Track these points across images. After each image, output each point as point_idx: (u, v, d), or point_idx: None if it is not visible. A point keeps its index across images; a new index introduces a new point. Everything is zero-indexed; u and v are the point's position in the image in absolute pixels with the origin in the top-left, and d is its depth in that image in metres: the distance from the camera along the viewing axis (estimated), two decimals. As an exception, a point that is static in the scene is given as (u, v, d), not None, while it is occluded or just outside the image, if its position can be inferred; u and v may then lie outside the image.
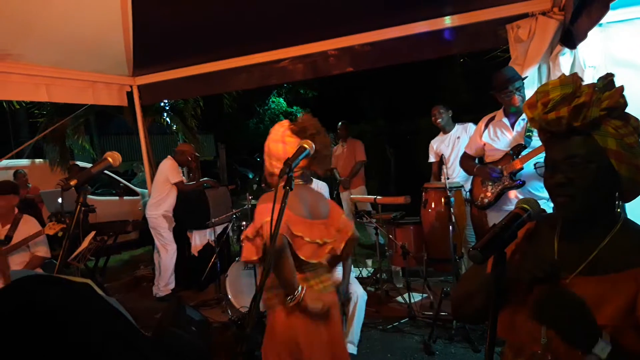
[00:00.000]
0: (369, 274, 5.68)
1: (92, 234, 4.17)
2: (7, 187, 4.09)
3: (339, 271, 3.90)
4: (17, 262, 3.90)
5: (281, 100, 22.17)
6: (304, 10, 4.29)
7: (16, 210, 4.14)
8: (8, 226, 4.03)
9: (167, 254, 5.63)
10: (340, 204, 6.93)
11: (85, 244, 4.10)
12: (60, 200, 5.73)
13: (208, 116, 12.42)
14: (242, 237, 2.19)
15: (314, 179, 5.15)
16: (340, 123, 7.17)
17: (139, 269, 7.05)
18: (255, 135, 22.03)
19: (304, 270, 2.10)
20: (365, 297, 3.80)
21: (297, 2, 4.18)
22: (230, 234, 6.03)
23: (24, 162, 8.67)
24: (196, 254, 5.89)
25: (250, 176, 17.86)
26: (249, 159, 19.71)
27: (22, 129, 14.49)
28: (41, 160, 9.57)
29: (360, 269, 5.86)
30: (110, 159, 1.81)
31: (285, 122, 2.20)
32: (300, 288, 2.01)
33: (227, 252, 6.06)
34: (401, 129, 13.60)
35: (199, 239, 5.92)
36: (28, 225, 4.06)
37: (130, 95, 5.94)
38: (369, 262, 6.24)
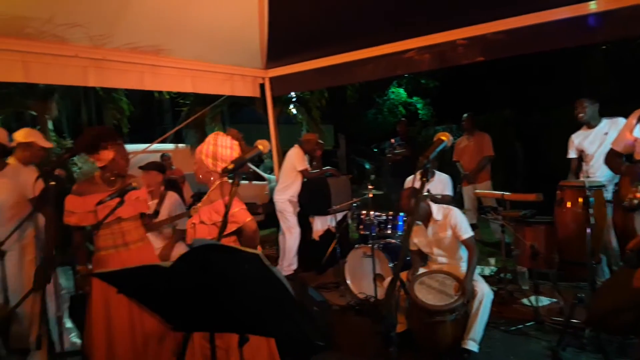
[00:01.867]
0: (492, 273, 5.46)
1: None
2: (152, 165, 4.63)
3: (462, 267, 3.83)
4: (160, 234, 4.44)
5: (401, 90, 21.90)
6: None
7: (162, 188, 4.68)
8: (156, 201, 4.57)
9: (291, 236, 5.95)
10: (461, 198, 6.74)
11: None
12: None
13: (330, 107, 12.75)
14: (191, 222, 2.54)
15: (435, 172, 5.08)
16: (465, 115, 6.92)
17: (264, 249, 7.53)
18: (373, 125, 22.09)
19: None
20: (492, 296, 3.67)
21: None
22: (350, 221, 6.18)
23: (169, 146, 9.67)
24: (317, 239, 6.14)
25: (367, 166, 17.95)
26: (366, 150, 19.81)
27: (166, 116, 16.10)
28: (183, 145, 10.60)
29: (483, 267, 5.65)
30: (260, 147, 1.98)
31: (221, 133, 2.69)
32: None
33: (346, 238, 6.22)
34: (531, 121, 12.69)
35: (320, 224, 6.15)
36: (170, 201, 4.56)
37: (262, 87, 6.34)
38: (492, 260, 5.99)
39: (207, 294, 1.14)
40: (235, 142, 2.63)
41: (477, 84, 17.11)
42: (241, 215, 2.47)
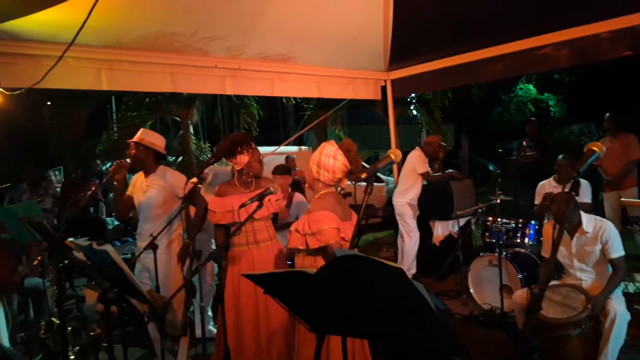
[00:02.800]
0: (637, 290, 4.90)
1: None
2: (284, 169, 4.87)
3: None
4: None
5: (530, 86, 20.44)
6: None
7: (289, 189, 4.91)
8: (284, 203, 4.81)
9: (410, 240, 5.89)
10: (602, 207, 6.11)
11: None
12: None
13: (451, 106, 12.34)
14: (291, 228, 2.56)
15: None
16: (607, 114, 6.27)
17: (381, 251, 7.54)
18: (498, 125, 20.91)
19: None
20: (628, 318, 3.30)
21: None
22: (473, 227, 5.94)
23: (292, 148, 10.12)
24: (437, 244, 5.99)
25: (491, 168, 17.03)
26: (490, 150, 18.79)
27: (289, 119, 16.84)
28: (305, 147, 11.02)
29: (626, 283, 5.08)
30: (392, 156, 2.01)
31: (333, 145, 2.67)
32: None
33: (469, 245, 5.99)
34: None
35: (441, 229, 6.00)
36: (297, 202, 4.77)
37: (383, 89, 6.35)
38: (638, 276, 5.36)
39: (347, 300, 1.20)
40: (340, 152, 2.58)
41: (620, 79, 15.35)
42: (325, 236, 2.40)
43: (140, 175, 3.56)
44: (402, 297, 1.09)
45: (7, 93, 3.49)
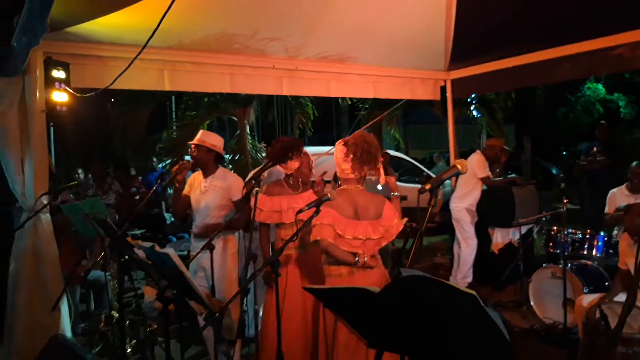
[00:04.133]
0: None
1: (405, 219, 4.54)
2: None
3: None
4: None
5: (599, 86, 19.28)
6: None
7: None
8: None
9: (467, 247, 5.68)
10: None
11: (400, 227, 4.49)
12: (379, 187, 6.42)
13: (514, 105, 11.85)
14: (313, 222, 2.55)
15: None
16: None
17: (436, 256, 7.34)
18: (563, 126, 19.90)
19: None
20: None
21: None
22: (535, 236, 5.66)
23: (346, 148, 10.02)
24: (496, 252, 5.74)
25: (554, 172, 16.22)
26: (554, 152, 17.90)
27: (343, 119, 16.79)
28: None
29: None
30: (459, 166, 1.92)
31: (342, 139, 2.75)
32: (355, 254, 2.57)
33: (531, 254, 5.71)
34: None
35: (500, 237, 5.75)
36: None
37: (443, 89, 6.17)
38: None
39: (411, 321, 1.13)
40: (340, 144, 2.67)
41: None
42: (316, 232, 2.54)
43: (198, 175, 3.62)
44: (474, 324, 1.01)
45: (78, 95, 3.65)
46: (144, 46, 3.21)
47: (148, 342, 3.20)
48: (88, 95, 3.68)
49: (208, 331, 3.35)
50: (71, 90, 3.54)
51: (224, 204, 3.46)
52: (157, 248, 2.01)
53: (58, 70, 3.55)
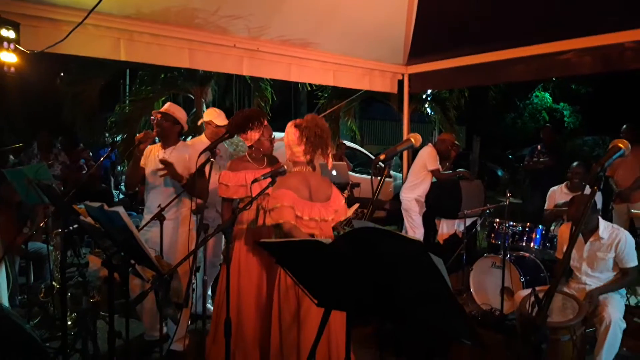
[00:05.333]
0: (639, 304, 4.86)
1: (356, 205, 4.64)
2: None
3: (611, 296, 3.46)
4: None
5: (547, 95, 20.26)
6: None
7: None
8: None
9: (414, 236, 5.86)
10: (609, 218, 6.05)
11: (350, 213, 4.58)
12: (334, 172, 6.48)
13: (466, 107, 12.25)
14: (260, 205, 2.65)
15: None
16: (625, 126, 6.20)
17: (384, 246, 7.51)
18: (511, 131, 20.76)
19: None
20: (623, 326, 3.32)
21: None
22: (479, 228, 5.91)
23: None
24: (441, 242, 5.97)
25: (500, 173, 16.91)
26: (501, 155, 18.67)
27: (302, 107, 16.79)
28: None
29: (629, 295, 5.04)
30: (412, 140, 1.99)
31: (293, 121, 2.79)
32: (313, 235, 2.57)
33: (473, 245, 5.97)
34: None
35: (446, 228, 5.97)
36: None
37: (400, 83, 6.30)
38: (640, 290, 5.32)
39: (360, 274, 1.19)
40: (291, 127, 2.73)
41: (638, 92, 15.20)
42: (278, 214, 2.53)
43: (155, 148, 3.56)
44: (419, 273, 1.08)
45: (28, 52, 3.49)
46: (93, 8, 3.12)
47: (90, 313, 3.12)
48: (38, 52, 3.52)
49: (145, 304, 3.31)
50: (21, 48, 3.38)
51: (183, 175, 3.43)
52: (106, 207, 1.98)
53: (7, 29, 3.37)
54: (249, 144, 3.22)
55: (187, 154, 3.49)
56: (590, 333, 3.41)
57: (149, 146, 3.55)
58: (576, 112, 19.91)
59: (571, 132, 18.82)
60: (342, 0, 4.52)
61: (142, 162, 3.55)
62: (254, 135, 3.14)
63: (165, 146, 3.53)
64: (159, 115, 3.47)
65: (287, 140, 2.71)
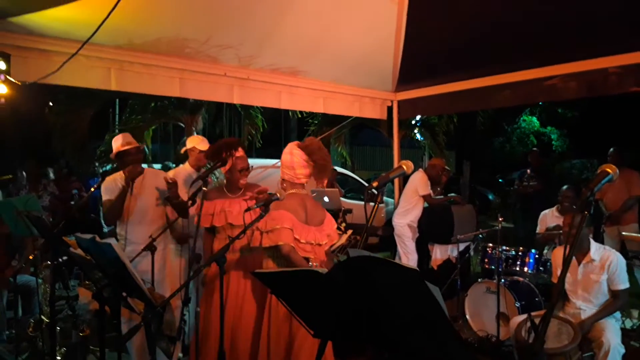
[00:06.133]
0: (634, 327, 4.84)
1: (350, 232, 4.62)
2: None
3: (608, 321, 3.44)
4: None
5: (534, 119, 20.57)
6: (579, 24, 3.96)
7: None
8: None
9: (408, 262, 5.83)
10: (601, 241, 6.08)
11: (343, 240, 4.55)
12: (326, 199, 6.46)
13: (455, 132, 12.40)
14: (253, 226, 2.51)
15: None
16: (611, 149, 6.29)
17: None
18: (499, 155, 20.98)
19: None
20: (622, 351, 3.29)
21: (571, 16, 3.88)
22: (472, 253, 5.90)
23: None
24: (435, 268, 5.94)
25: (491, 197, 16.99)
26: (490, 179, 18.82)
27: (292, 134, 16.89)
28: (306, 163, 10.97)
29: (624, 318, 5.02)
30: (404, 167, 2.00)
31: (294, 142, 2.80)
32: (308, 259, 2.57)
33: (467, 270, 5.94)
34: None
35: (439, 253, 5.96)
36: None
37: (390, 109, 6.37)
38: (635, 312, 5.30)
39: (356, 303, 1.17)
40: (296, 148, 2.70)
41: (624, 116, 15.49)
42: (278, 236, 2.50)
43: (120, 180, 3.49)
44: (416, 302, 1.06)
45: (19, 83, 3.49)
46: (87, 40, 3.15)
47: (80, 348, 3.04)
48: (29, 84, 3.52)
49: (135, 339, 3.23)
50: (12, 79, 3.38)
51: (160, 205, 3.40)
52: (97, 239, 1.95)
53: (-2, 60, 3.40)
54: (224, 172, 3.14)
55: (160, 181, 3.46)
56: (587, 358, 3.38)
57: (108, 179, 3.50)
58: (563, 136, 20.20)
59: (559, 156, 19.04)
60: (331, 29, 4.59)
61: (110, 197, 3.47)
62: (227, 164, 3.04)
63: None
64: (133, 150, 3.46)
65: (289, 162, 2.66)
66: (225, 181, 3.22)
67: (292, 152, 2.68)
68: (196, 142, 4.28)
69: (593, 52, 4.37)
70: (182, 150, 4.45)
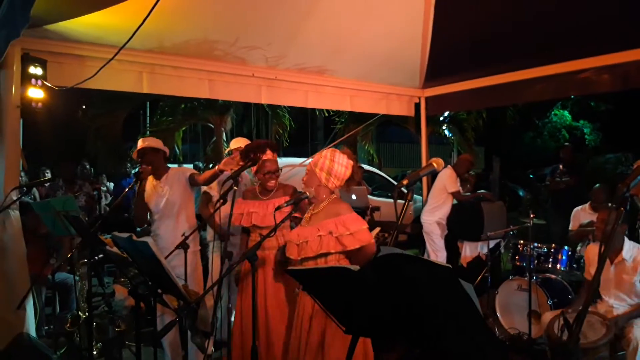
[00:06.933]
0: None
1: (378, 229, 4.61)
2: None
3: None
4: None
5: (566, 113, 20.07)
6: (612, 15, 3.85)
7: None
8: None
9: (436, 259, 5.79)
10: (636, 238, 5.89)
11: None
12: (354, 197, 6.47)
13: (484, 127, 12.22)
14: (317, 233, 2.50)
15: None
16: (648, 142, 6.10)
17: (406, 270, 7.41)
18: (530, 150, 20.55)
19: None
20: None
21: (604, 7, 3.78)
22: (502, 250, 5.81)
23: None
24: (464, 265, 5.88)
25: (521, 193, 16.64)
26: (521, 175, 18.43)
27: (319, 133, 16.94)
28: (333, 160, 10.99)
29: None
30: (435, 164, 2.00)
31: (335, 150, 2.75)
32: None
33: (498, 268, 5.86)
34: None
35: (469, 251, 5.89)
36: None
37: (417, 106, 6.33)
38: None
39: (388, 300, 1.18)
40: (351, 162, 2.68)
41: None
42: (365, 235, 2.48)
43: (150, 181, 3.61)
44: (449, 299, 1.07)
45: (56, 88, 3.62)
46: (123, 46, 3.23)
47: (116, 343, 3.14)
48: (66, 88, 3.65)
49: (169, 334, 3.32)
50: (49, 84, 3.51)
51: (185, 201, 3.52)
52: (134, 237, 2.01)
53: (35, 66, 3.52)
54: (254, 174, 3.24)
55: (183, 176, 3.57)
56: (620, 357, 3.30)
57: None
58: (596, 130, 19.65)
59: (592, 150, 18.54)
60: (356, 27, 4.60)
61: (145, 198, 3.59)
62: (255, 166, 3.13)
63: (158, 177, 3.60)
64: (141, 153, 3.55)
65: (335, 170, 2.61)
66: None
67: (348, 167, 2.68)
68: (241, 143, 4.37)
69: (626, 44, 4.25)
70: (227, 150, 4.57)
